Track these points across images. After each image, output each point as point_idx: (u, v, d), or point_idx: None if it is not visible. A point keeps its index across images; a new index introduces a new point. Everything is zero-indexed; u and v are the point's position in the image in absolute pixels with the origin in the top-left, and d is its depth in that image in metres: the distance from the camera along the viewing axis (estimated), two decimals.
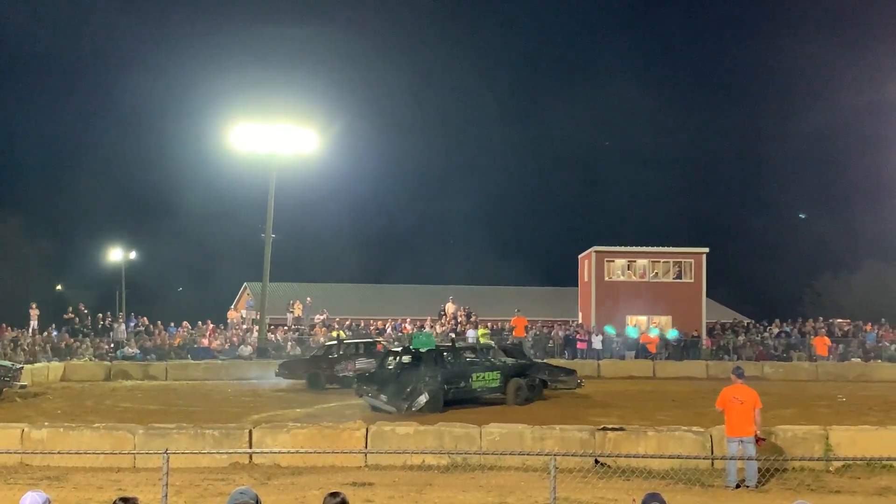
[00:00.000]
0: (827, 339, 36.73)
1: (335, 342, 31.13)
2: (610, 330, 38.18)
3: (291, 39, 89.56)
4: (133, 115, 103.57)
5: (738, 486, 12.97)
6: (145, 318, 38.45)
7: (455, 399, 22.41)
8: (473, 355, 24.22)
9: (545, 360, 29.82)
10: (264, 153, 38.17)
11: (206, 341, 36.18)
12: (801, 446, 14.53)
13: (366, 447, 14.73)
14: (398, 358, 23.51)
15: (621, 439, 14.70)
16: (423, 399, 21.45)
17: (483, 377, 23.17)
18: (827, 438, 14.63)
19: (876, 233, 68.95)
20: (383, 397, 21.78)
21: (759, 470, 13.06)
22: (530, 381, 24.01)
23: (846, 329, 40.06)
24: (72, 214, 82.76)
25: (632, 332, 38.07)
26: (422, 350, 23.22)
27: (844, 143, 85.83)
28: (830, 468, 13.91)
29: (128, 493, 8.98)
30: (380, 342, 31.46)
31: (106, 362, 32.63)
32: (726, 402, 13.38)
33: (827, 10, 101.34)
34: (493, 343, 29.77)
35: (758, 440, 13.25)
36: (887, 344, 37.83)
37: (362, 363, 27.73)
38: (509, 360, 24.84)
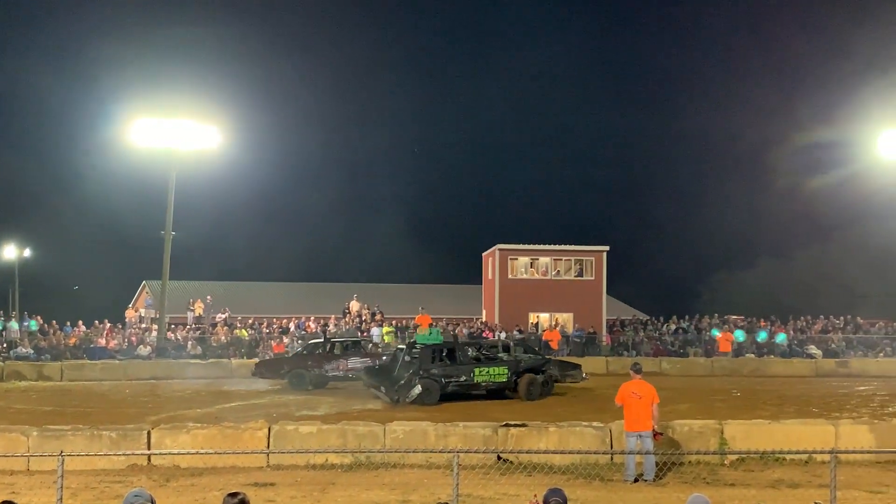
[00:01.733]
0: (730, 335, 37.60)
1: (321, 339, 29.64)
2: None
3: (193, 36, 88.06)
4: (29, 109, 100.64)
5: (636, 480, 13.19)
6: (39, 317, 37.40)
7: (455, 392, 23.10)
8: (480, 351, 24.78)
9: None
10: (164, 149, 37.42)
11: (103, 341, 35.37)
12: (697, 440, 14.88)
13: (268, 447, 14.58)
14: (404, 353, 24.21)
15: (523, 435, 14.83)
16: (416, 391, 22.49)
17: (487, 372, 23.65)
18: (722, 432, 15.00)
19: (770, 231, 71.42)
20: (382, 389, 23.04)
21: (657, 464, 13.32)
22: (546, 378, 24.59)
23: (740, 325, 41.16)
24: None
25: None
26: (425, 345, 24.22)
27: (742, 144, 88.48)
28: (725, 461, 14.24)
29: (19, 496, 8.76)
30: (364, 340, 31.27)
31: None
32: (625, 398, 13.59)
33: (721, 16, 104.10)
34: (514, 340, 30.35)
35: (655, 434, 13.48)
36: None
37: (355, 362, 27.28)
38: (525, 357, 25.69)
